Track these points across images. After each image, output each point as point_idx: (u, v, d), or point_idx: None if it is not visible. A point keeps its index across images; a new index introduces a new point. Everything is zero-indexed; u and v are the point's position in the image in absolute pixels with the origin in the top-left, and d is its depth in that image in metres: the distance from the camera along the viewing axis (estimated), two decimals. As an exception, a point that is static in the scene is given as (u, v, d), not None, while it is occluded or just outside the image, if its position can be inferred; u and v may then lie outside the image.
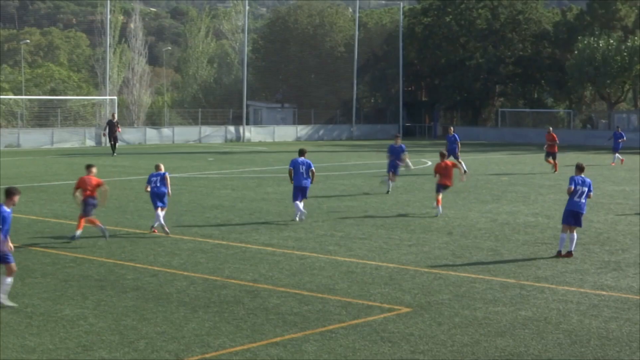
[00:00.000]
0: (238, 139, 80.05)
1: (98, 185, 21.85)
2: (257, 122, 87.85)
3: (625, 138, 51.54)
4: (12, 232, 22.92)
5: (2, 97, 76.77)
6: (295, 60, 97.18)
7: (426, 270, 18.87)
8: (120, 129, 60.58)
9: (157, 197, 23.63)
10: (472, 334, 14.00)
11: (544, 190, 35.91)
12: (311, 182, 26.69)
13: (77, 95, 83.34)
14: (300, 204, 26.23)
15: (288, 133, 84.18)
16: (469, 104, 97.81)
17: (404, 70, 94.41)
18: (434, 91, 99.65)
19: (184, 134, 77.37)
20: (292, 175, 26.49)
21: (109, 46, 77.95)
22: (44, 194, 32.86)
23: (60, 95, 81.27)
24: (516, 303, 15.97)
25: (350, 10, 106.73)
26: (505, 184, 38.52)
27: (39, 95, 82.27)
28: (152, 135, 75.09)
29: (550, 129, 47.19)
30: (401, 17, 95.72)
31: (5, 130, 69.70)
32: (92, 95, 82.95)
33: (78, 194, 21.82)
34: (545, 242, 22.51)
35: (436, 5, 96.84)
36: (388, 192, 34.18)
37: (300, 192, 26.38)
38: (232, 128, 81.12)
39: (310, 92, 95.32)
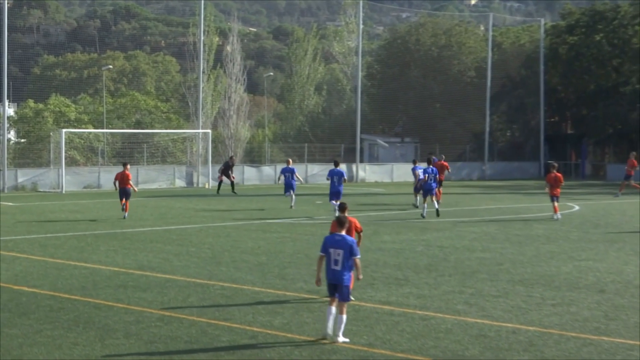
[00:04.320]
0: (350, 178, 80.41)
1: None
2: (373, 159, 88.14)
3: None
4: (90, 285, 23.43)
5: (81, 130, 78.36)
6: (417, 87, 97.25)
7: (573, 334, 18.61)
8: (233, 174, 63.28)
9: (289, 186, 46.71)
10: (629, 411, 13.74)
11: None
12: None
13: (166, 128, 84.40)
14: (336, 204, 36.90)
15: (409, 172, 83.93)
16: (623, 138, 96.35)
17: (545, 98, 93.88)
18: (582, 123, 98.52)
19: (288, 172, 77.95)
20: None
21: (202, 72, 79.22)
22: (127, 242, 33.41)
23: (146, 128, 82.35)
24: (683, 375, 15.64)
25: (482, 28, 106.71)
26: (669, 232, 37.84)
27: (123, 128, 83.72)
28: (250, 175, 75.93)
29: None
30: (542, 35, 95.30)
31: (84, 169, 71.09)
32: (182, 129, 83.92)
33: None
34: None
35: (584, 22, 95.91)
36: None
37: (334, 195, 40.89)
38: (343, 166, 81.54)
39: (435, 124, 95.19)
